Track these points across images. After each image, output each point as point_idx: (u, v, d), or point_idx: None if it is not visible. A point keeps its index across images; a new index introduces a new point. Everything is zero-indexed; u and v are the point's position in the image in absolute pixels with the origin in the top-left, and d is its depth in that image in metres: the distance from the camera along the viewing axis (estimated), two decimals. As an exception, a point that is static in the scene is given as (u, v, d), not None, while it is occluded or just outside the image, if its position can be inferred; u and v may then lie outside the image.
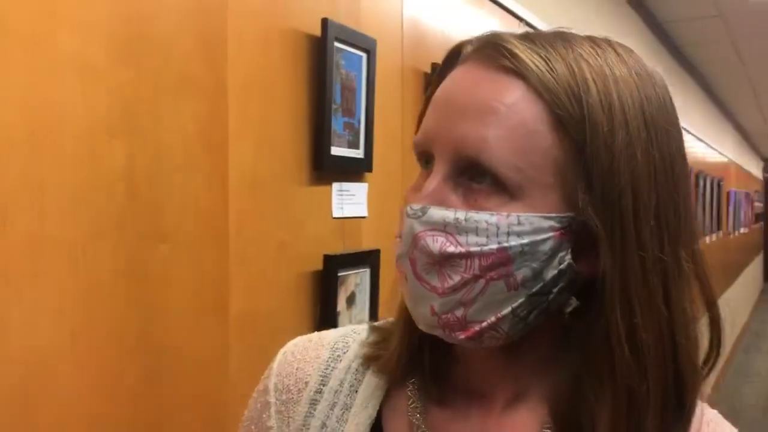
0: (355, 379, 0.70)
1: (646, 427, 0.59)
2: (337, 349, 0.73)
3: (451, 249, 0.58)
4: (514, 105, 0.58)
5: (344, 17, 1.44)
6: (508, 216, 0.58)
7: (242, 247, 1.20)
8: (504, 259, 0.58)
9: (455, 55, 0.65)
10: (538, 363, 0.65)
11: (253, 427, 0.74)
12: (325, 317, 1.37)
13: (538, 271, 0.59)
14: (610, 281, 0.58)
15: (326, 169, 1.39)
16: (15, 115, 0.85)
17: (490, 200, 0.58)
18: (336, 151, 1.41)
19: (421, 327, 0.62)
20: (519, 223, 0.58)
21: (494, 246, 0.58)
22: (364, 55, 1.50)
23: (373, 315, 1.52)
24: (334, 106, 1.40)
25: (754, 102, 8.50)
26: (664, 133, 0.60)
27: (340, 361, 0.72)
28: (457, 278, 0.59)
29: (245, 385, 1.20)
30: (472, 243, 0.58)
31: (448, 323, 0.60)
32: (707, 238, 6.71)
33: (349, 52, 1.45)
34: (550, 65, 0.59)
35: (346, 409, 0.69)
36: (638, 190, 0.58)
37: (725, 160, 8.61)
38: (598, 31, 0.65)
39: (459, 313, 0.59)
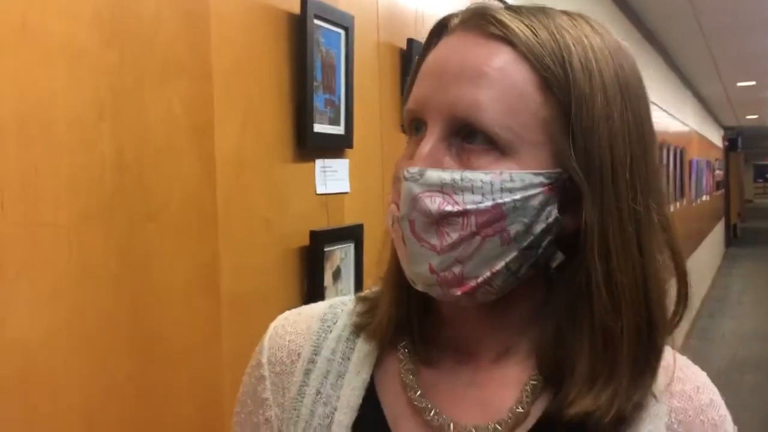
0: (347, 347, 0.73)
1: (621, 363, 0.63)
2: (326, 320, 0.76)
3: (449, 208, 0.61)
4: (504, 68, 0.62)
5: (323, -6, 1.44)
6: (501, 173, 0.61)
7: (230, 227, 1.22)
8: (498, 215, 0.61)
9: (441, 28, 0.69)
10: (524, 317, 0.68)
11: (249, 401, 0.76)
12: (313, 293, 1.39)
13: (528, 226, 0.62)
14: (591, 230, 0.62)
15: (309, 147, 1.40)
16: (6, 100, 0.85)
17: (482, 158, 0.62)
18: (318, 128, 1.42)
19: (419, 287, 0.65)
20: (511, 180, 0.61)
21: (489, 203, 0.61)
22: (342, 32, 1.50)
23: (358, 288, 1.54)
24: (315, 84, 1.40)
25: (714, 72, 8.66)
26: (636, 98, 0.65)
27: (331, 331, 0.74)
28: (455, 236, 0.61)
29: (239, 365, 1.21)
30: (469, 201, 0.61)
31: (446, 280, 0.63)
32: (671, 206, 6.85)
33: (328, 29, 1.45)
34: (535, 32, 0.64)
35: (340, 376, 0.71)
36: (615, 147, 0.63)
37: (687, 129, 8.77)
38: (566, 1, 0.69)
39: (456, 270, 0.62)
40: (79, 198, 0.94)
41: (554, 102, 0.62)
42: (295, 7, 1.37)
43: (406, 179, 0.62)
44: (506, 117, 0.61)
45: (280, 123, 1.35)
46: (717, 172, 13.29)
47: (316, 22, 1.40)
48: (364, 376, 0.71)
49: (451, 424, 0.66)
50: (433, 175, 0.62)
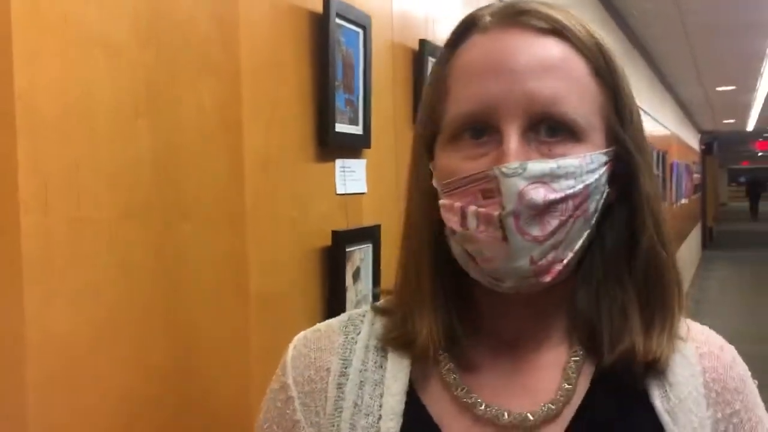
0: (378, 356, 0.73)
1: (675, 312, 0.70)
2: (349, 332, 0.75)
3: (552, 196, 0.63)
4: (567, 60, 0.66)
5: (344, -7, 1.43)
6: (584, 157, 0.65)
7: (258, 226, 1.21)
8: (585, 195, 0.65)
9: (469, 27, 0.70)
10: (559, 297, 0.71)
11: (275, 426, 0.74)
12: (334, 293, 1.38)
13: (597, 202, 0.67)
14: (647, 197, 0.68)
15: (331, 146, 1.40)
16: (49, 96, 0.84)
17: (561, 147, 0.65)
18: (339, 127, 1.41)
19: (508, 284, 0.66)
20: (591, 162, 0.66)
21: (581, 186, 0.65)
22: (360, 31, 1.50)
23: (376, 288, 1.54)
24: (336, 83, 1.40)
25: (695, 75, 8.78)
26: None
27: (356, 342, 0.74)
28: (555, 222, 0.64)
29: (267, 363, 1.21)
30: (566, 187, 0.64)
31: (541, 269, 0.65)
32: (655, 209, 6.92)
33: (348, 28, 1.45)
34: (574, 24, 0.68)
35: (377, 385, 0.71)
36: (639, 123, 0.71)
37: (668, 132, 8.89)
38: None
39: (551, 256, 0.65)
40: (119, 195, 0.93)
41: (604, 87, 0.68)
42: (318, 6, 1.37)
43: (507, 176, 0.62)
44: (579, 105, 0.65)
45: (302, 122, 1.34)
46: (695, 175, 13.47)
47: (338, 21, 1.40)
48: (404, 382, 0.70)
49: (506, 413, 0.68)
50: (535, 167, 0.63)
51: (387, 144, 1.67)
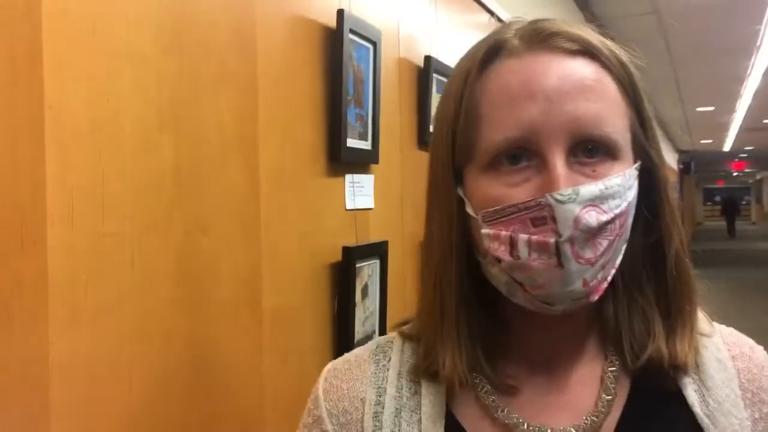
0: (411, 382, 0.71)
1: (677, 316, 0.70)
2: (379, 360, 0.74)
3: (604, 217, 0.63)
4: (601, 80, 0.66)
5: (353, 8, 1.43)
6: (624, 175, 0.65)
7: (272, 241, 1.19)
8: (628, 213, 0.66)
9: (496, 49, 0.68)
10: (591, 310, 0.71)
11: None
12: (344, 309, 1.37)
13: (632, 218, 0.67)
14: (669, 204, 0.70)
15: (342, 161, 1.39)
16: (78, 107, 0.82)
17: (601, 167, 0.64)
18: (350, 142, 1.41)
19: (558, 307, 0.65)
20: (629, 178, 0.66)
21: (625, 204, 0.65)
22: (371, 47, 1.50)
23: (383, 305, 1.53)
24: (348, 98, 1.39)
25: (676, 96, 8.91)
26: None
27: (388, 369, 0.73)
28: (605, 243, 0.63)
29: (277, 384, 1.19)
30: (614, 207, 0.64)
31: (592, 289, 0.64)
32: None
33: (359, 43, 1.45)
34: (600, 42, 0.68)
35: (413, 412, 0.70)
36: (657, 137, 0.72)
37: (650, 151, 8.98)
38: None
39: (600, 276, 0.64)
40: (143, 209, 0.91)
41: (629, 103, 0.68)
42: (332, 21, 1.37)
43: (562, 202, 0.61)
44: (617, 124, 0.66)
45: (315, 136, 1.33)
46: (675, 194, 13.61)
47: (351, 36, 1.40)
48: (440, 407, 0.69)
49: (549, 430, 0.67)
50: (587, 190, 0.62)
51: (393, 160, 1.67)
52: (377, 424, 0.70)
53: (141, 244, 0.91)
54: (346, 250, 1.37)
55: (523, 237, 0.63)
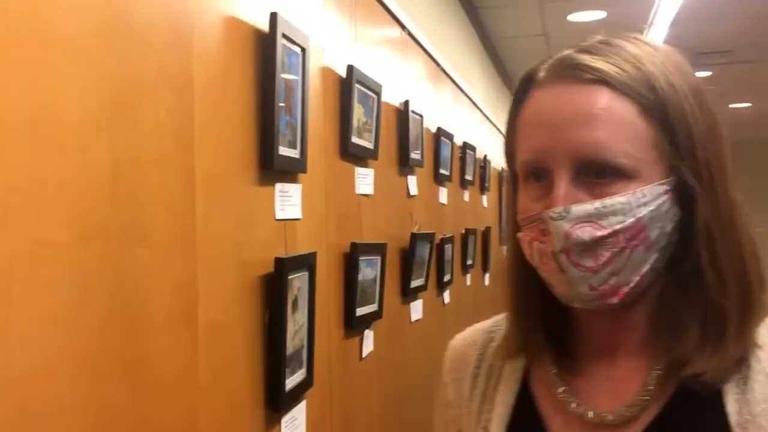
0: (505, 353, 0.85)
1: (728, 330, 0.72)
2: (490, 332, 0.90)
3: (600, 233, 0.70)
4: (609, 107, 0.71)
5: (282, 12, 1.39)
6: (634, 193, 0.71)
7: (207, 251, 1.13)
8: (640, 227, 0.71)
9: (529, 83, 0.78)
10: (646, 310, 0.77)
11: (439, 404, 0.92)
12: (276, 323, 1.32)
13: (662, 228, 0.72)
14: (704, 222, 0.72)
15: (274, 169, 1.34)
16: (17, 103, 0.74)
17: (614, 186, 0.71)
18: (281, 150, 1.36)
19: (577, 305, 0.75)
20: (643, 196, 0.71)
21: (632, 219, 0.70)
22: (300, 53, 1.46)
23: (311, 319, 1.48)
24: (280, 104, 1.35)
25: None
26: (702, 95, 0.75)
27: (493, 342, 0.88)
28: (607, 254, 0.71)
29: (213, 402, 1.13)
30: (614, 222, 0.70)
31: (605, 293, 0.72)
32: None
33: (290, 48, 1.41)
34: (621, 68, 0.73)
35: (498, 380, 0.85)
36: (705, 145, 0.73)
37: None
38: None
39: (612, 281, 0.72)
40: (79, 216, 0.84)
41: (655, 122, 0.71)
42: (264, 25, 1.32)
43: (554, 219, 0.71)
44: (624, 147, 0.70)
45: (247, 143, 1.28)
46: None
47: (282, 41, 1.35)
48: (517, 378, 0.83)
49: (590, 412, 0.77)
50: (578, 209, 0.71)
51: (319, 169, 1.63)
52: (474, 383, 0.87)
53: (78, 254, 0.83)
54: (279, 262, 1.32)
55: (535, 244, 0.74)
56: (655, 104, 0.71)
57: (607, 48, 0.74)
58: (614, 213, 0.70)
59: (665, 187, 0.72)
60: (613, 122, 0.70)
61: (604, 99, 0.71)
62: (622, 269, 0.71)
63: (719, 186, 0.73)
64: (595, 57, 0.73)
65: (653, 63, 0.73)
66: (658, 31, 5.09)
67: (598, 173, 0.71)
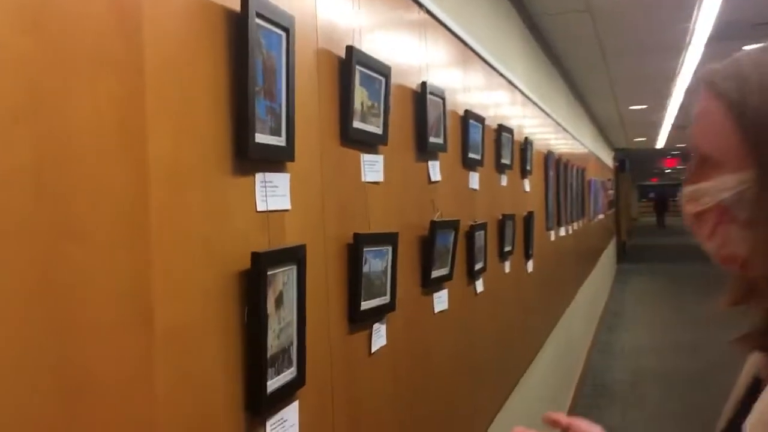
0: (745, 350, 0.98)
1: None
2: None
3: (696, 209, 0.91)
4: (707, 108, 0.90)
5: (262, -9, 1.30)
6: (716, 180, 0.88)
7: (165, 248, 1.05)
8: (722, 208, 0.88)
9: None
10: None
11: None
12: (255, 322, 1.24)
13: (749, 212, 0.85)
14: None
15: (250, 158, 1.26)
16: None
17: (708, 173, 0.90)
18: (259, 138, 1.28)
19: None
20: (723, 183, 0.87)
21: (714, 202, 0.88)
22: (283, 34, 1.37)
23: (301, 315, 1.40)
24: (256, 89, 1.26)
25: (610, 94, 9.02)
26: None
27: None
28: (709, 225, 0.90)
29: (176, 410, 1.05)
30: (704, 203, 0.90)
31: (718, 257, 0.91)
32: (575, 224, 7.02)
33: (269, 29, 1.32)
34: (722, 74, 0.90)
35: (744, 371, 1.00)
36: None
37: (586, 150, 9.07)
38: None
39: (724, 252, 0.90)
40: (-11, 214, 0.77)
41: (741, 121, 0.86)
42: (235, 4, 1.23)
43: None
44: (712, 143, 0.89)
45: (218, 129, 1.20)
46: (609, 191, 13.85)
47: (258, 21, 1.27)
48: (748, 372, 0.96)
49: None
50: (685, 190, 0.92)
51: (312, 157, 1.54)
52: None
53: (-10, 256, 0.77)
54: (256, 256, 1.24)
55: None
56: (739, 107, 0.85)
57: (725, 62, 0.91)
58: (704, 195, 0.90)
59: (744, 177, 0.85)
60: (706, 120, 0.90)
61: (706, 101, 0.90)
62: (728, 243, 0.88)
63: None
64: (721, 71, 0.91)
65: (758, 64, 0.87)
66: (712, 1, 4.81)
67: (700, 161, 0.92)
